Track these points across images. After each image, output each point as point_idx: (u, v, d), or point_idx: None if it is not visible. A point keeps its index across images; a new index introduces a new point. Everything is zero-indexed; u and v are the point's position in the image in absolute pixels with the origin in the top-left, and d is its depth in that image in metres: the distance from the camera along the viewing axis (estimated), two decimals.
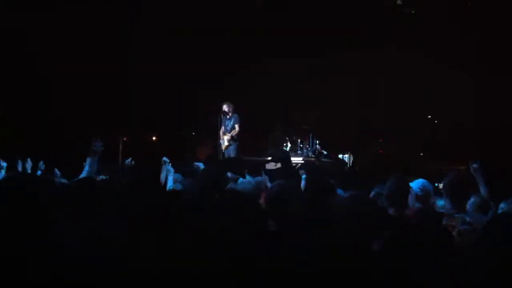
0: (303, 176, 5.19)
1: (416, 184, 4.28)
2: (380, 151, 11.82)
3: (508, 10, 9.73)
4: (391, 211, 3.81)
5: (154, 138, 12.74)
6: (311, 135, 11.59)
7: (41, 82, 9.92)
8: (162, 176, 5.88)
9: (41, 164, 6.00)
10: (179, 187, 5.32)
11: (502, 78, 10.37)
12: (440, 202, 4.34)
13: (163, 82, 11.48)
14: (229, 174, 5.32)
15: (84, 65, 10.22)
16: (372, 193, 4.36)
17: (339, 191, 4.60)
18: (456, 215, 3.84)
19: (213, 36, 11.15)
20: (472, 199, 4.23)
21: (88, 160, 4.86)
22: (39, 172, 5.91)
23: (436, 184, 5.00)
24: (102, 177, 5.35)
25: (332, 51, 11.28)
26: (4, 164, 5.71)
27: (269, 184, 5.19)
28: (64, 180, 5.27)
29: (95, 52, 10.33)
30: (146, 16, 10.65)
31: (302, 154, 11.36)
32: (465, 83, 11.13)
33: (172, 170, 5.60)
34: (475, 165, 4.79)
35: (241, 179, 5.04)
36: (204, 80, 11.68)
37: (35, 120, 9.76)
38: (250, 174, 5.19)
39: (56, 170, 5.52)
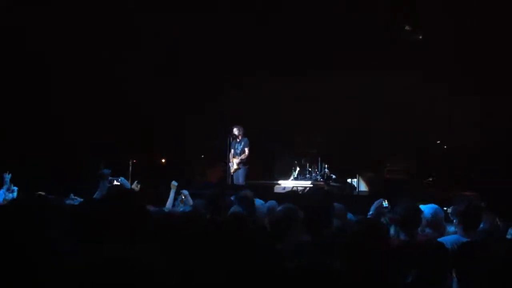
0: None
1: (426, 210, 4.28)
2: (388, 176, 11.78)
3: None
4: (402, 236, 3.82)
5: (163, 160, 12.79)
6: (319, 159, 11.59)
7: (54, 107, 10.06)
8: (170, 198, 5.93)
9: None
10: (188, 209, 5.34)
11: (510, 103, 10.39)
12: (451, 228, 4.33)
13: (171, 104, 11.57)
14: (232, 198, 5.35)
15: (94, 89, 10.36)
16: (382, 218, 4.37)
17: (349, 216, 4.62)
18: None
19: (221, 57, 11.25)
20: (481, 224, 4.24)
21: (101, 182, 4.94)
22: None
23: (445, 208, 5.00)
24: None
25: (341, 75, 11.35)
26: (15, 188, 5.80)
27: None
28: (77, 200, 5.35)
29: (105, 77, 10.47)
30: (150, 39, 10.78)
31: (311, 178, 11.35)
32: (473, 108, 11.13)
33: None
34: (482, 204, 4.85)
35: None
36: (213, 103, 11.77)
37: (49, 145, 9.86)
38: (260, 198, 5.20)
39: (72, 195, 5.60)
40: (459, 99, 11.12)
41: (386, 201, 4.53)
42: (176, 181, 6.06)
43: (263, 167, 12.07)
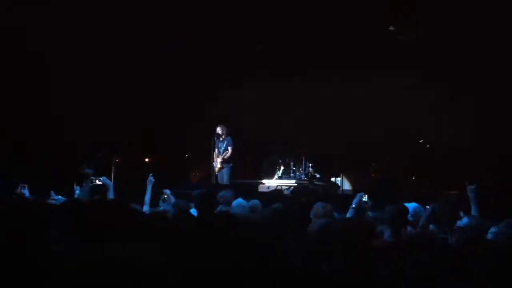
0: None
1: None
2: (373, 175, 11.84)
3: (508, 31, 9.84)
4: (387, 235, 3.85)
5: (147, 160, 12.70)
6: (304, 158, 11.60)
7: (39, 102, 9.96)
8: (148, 194, 5.87)
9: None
10: (169, 208, 5.32)
11: (499, 102, 10.46)
12: (433, 226, 4.36)
13: (156, 103, 11.50)
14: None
15: (81, 87, 10.27)
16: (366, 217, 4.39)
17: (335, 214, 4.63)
18: None
19: (207, 57, 11.21)
20: (465, 220, 4.28)
21: (83, 182, 4.91)
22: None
23: (427, 207, 5.05)
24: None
25: (326, 75, 11.36)
26: None
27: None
28: (58, 197, 5.31)
29: (90, 75, 10.36)
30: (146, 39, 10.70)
31: (295, 177, 11.36)
32: (459, 107, 11.20)
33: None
34: (472, 187, 4.91)
35: (235, 202, 5.04)
36: (198, 102, 11.73)
37: (34, 143, 9.76)
38: (244, 198, 5.19)
39: (52, 193, 5.55)
40: (456, 99, 11.17)
41: (366, 196, 4.61)
42: (154, 177, 6.00)
43: (251, 166, 12.05)
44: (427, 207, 4.62)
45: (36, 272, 2.08)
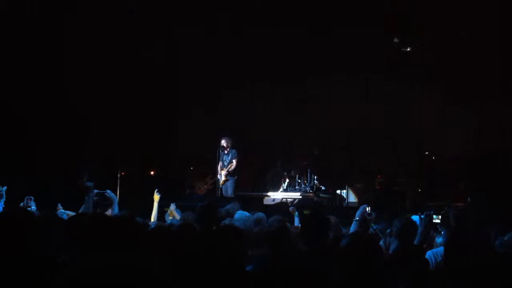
0: (296, 213, 5.28)
1: None
2: (378, 187, 11.79)
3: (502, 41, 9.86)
4: (393, 247, 3.83)
5: (152, 172, 12.69)
6: (309, 171, 11.55)
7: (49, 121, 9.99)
8: (155, 210, 5.86)
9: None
10: (176, 222, 5.30)
11: (500, 113, 10.45)
12: (439, 239, 4.33)
13: (160, 117, 11.52)
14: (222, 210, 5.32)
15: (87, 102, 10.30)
16: (371, 230, 4.37)
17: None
18: None
19: (214, 71, 11.25)
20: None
21: (85, 196, 4.90)
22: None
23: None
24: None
25: (330, 87, 11.38)
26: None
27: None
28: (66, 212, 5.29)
29: (98, 87, 10.39)
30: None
31: (300, 189, 11.31)
32: (462, 118, 11.19)
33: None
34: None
35: (237, 215, 5.02)
36: (203, 114, 11.74)
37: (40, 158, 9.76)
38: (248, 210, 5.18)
39: (59, 205, 5.53)
40: (453, 109, 11.16)
41: (369, 207, 4.59)
42: (160, 192, 5.97)
43: (255, 178, 12.02)
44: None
45: (34, 277, 2.08)
